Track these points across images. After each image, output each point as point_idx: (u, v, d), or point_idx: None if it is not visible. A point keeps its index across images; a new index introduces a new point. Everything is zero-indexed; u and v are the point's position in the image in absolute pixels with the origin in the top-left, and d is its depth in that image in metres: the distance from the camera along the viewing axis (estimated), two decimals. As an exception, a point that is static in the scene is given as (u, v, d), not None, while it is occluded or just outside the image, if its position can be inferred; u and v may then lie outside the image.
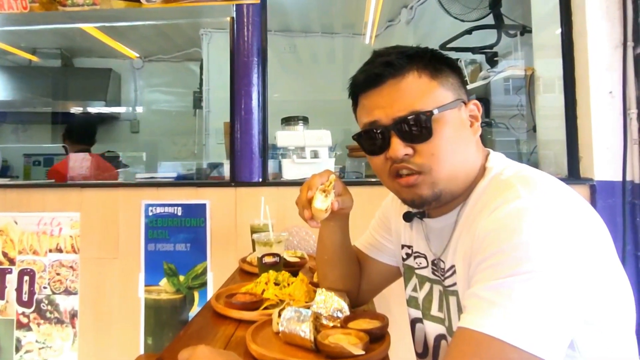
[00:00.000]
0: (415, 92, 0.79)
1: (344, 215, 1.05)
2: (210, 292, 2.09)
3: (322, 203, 0.93)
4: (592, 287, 0.65)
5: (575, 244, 0.64)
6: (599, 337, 0.68)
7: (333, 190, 0.96)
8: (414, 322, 0.98)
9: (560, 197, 0.70)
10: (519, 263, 0.62)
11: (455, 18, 2.64)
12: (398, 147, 0.78)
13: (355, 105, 0.89)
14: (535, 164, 2.23)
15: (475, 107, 0.84)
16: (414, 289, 0.98)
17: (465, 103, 0.83)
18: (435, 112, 0.77)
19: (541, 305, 0.60)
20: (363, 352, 0.80)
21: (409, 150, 0.79)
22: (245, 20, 2.22)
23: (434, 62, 0.81)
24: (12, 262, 2.19)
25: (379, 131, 0.81)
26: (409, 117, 0.77)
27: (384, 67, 0.80)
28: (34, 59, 5.07)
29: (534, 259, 0.62)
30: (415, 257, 0.97)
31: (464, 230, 0.79)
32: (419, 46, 0.85)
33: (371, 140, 0.83)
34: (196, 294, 2.11)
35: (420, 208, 0.86)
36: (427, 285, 0.93)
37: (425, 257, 0.93)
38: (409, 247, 1.00)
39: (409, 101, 0.78)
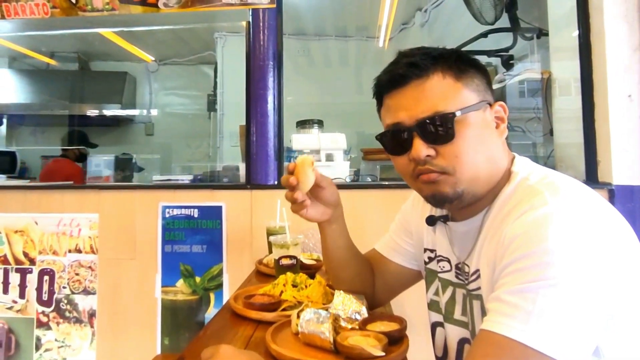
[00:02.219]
0: (438, 93, 0.79)
1: (339, 213, 1.04)
2: (226, 293, 2.11)
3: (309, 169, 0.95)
4: (618, 293, 0.65)
5: (601, 251, 0.64)
6: (625, 343, 0.67)
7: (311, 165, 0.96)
8: (434, 325, 0.98)
9: (588, 203, 0.70)
10: (544, 269, 0.62)
11: (479, 13, 2.61)
12: (420, 148, 0.78)
13: (379, 105, 0.89)
14: (552, 168, 2.20)
15: (501, 109, 0.84)
16: (436, 293, 0.98)
17: (490, 104, 0.83)
18: (458, 113, 0.77)
19: (565, 311, 0.60)
20: (383, 354, 0.80)
21: (432, 152, 0.79)
22: (261, 24, 2.24)
23: (458, 64, 0.81)
24: (32, 262, 2.24)
25: (402, 132, 0.81)
26: (432, 118, 0.77)
27: (408, 67, 0.81)
28: (52, 62, 5.18)
29: (559, 265, 0.62)
30: (438, 261, 0.96)
31: (489, 235, 0.79)
32: (445, 47, 0.85)
33: (394, 140, 0.83)
34: (212, 295, 2.13)
35: (442, 206, 0.86)
36: (449, 289, 0.93)
37: (449, 261, 0.93)
38: (432, 250, 0.99)
39: (432, 102, 0.78)
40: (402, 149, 0.82)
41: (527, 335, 0.59)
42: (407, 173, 0.84)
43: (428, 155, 0.79)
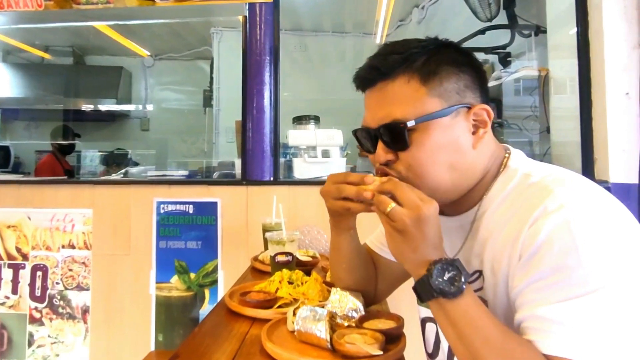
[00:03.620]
0: (398, 99, 0.77)
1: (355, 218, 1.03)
2: (221, 290, 2.10)
3: None
4: None
5: (629, 251, 0.63)
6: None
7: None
8: (424, 321, 0.97)
9: (601, 201, 0.68)
10: (582, 283, 0.61)
11: (479, 8, 2.60)
12: (380, 153, 0.80)
13: None
14: (549, 166, 2.20)
15: (483, 112, 0.78)
16: None
17: (469, 107, 0.78)
18: (411, 123, 0.75)
19: (613, 321, 0.59)
20: (381, 352, 0.79)
21: (391, 157, 0.79)
22: (257, 19, 2.22)
23: (428, 66, 0.77)
24: (25, 257, 2.22)
25: (367, 134, 0.83)
26: (388, 126, 0.77)
27: (372, 70, 0.80)
28: (47, 56, 5.13)
29: (595, 276, 0.61)
30: None
31: (493, 235, 0.76)
32: (426, 39, 0.81)
33: (364, 139, 0.85)
34: (207, 292, 2.12)
35: None
36: None
37: None
38: None
39: (391, 109, 0.77)
40: (371, 149, 0.83)
41: (582, 354, 0.58)
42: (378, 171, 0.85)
43: (388, 160, 0.79)
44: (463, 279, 0.67)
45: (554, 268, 0.63)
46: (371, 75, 0.80)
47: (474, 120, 0.79)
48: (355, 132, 0.87)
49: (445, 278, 0.67)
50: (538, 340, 0.62)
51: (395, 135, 0.77)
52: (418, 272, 0.71)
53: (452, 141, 0.77)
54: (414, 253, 0.71)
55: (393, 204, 0.71)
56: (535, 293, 0.65)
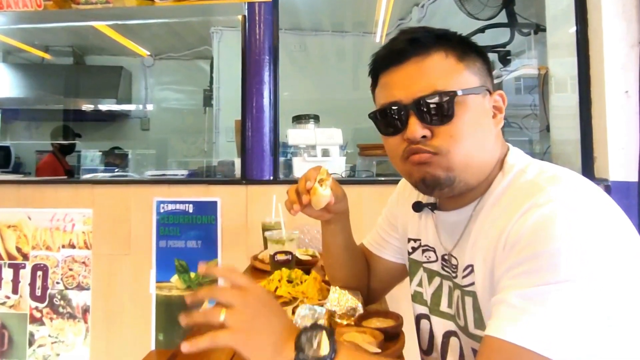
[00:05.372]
0: (439, 71, 0.75)
1: (343, 216, 1.02)
2: (221, 289, 2.10)
3: (325, 190, 0.91)
4: (623, 295, 0.61)
5: (610, 251, 0.62)
6: (626, 346, 0.61)
7: (329, 181, 0.93)
8: (418, 318, 0.96)
9: (593, 199, 0.67)
10: (553, 271, 0.60)
11: (470, 15, 2.61)
12: (416, 128, 0.74)
13: (374, 84, 0.85)
14: (548, 164, 2.20)
15: (500, 98, 0.81)
16: (419, 284, 0.95)
17: (490, 92, 0.80)
18: (459, 93, 0.74)
19: (574, 316, 0.58)
20: (379, 350, 0.80)
21: (427, 132, 0.75)
22: (257, 18, 2.22)
23: (462, 45, 0.78)
24: (25, 257, 2.22)
25: (397, 110, 0.77)
26: (431, 97, 0.74)
27: (408, 43, 0.77)
28: (47, 56, 5.14)
29: (568, 267, 0.59)
30: (423, 251, 0.94)
31: (484, 229, 0.76)
32: (448, 29, 0.81)
33: (388, 119, 0.79)
34: (207, 291, 2.12)
35: (432, 192, 0.81)
36: (436, 280, 0.90)
37: (435, 251, 0.90)
38: (416, 240, 0.97)
39: (432, 80, 0.75)
40: (396, 129, 0.78)
41: (535, 341, 0.57)
42: (398, 154, 0.80)
43: (423, 136, 0.75)
44: (328, 347, 0.61)
45: (530, 255, 0.62)
46: (408, 47, 0.77)
47: (493, 105, 0.80)
48: (375, 113, 0.82)
49: (311, 355, 0.60)
50: (500, 326, 0.61)
51: (440, 107, 0.74)
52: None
53: (483, 120, 0.78)
54: (272, 343, 0.63)
55: (223, 311, 0.64)
56: (510, 279, 0.64)
